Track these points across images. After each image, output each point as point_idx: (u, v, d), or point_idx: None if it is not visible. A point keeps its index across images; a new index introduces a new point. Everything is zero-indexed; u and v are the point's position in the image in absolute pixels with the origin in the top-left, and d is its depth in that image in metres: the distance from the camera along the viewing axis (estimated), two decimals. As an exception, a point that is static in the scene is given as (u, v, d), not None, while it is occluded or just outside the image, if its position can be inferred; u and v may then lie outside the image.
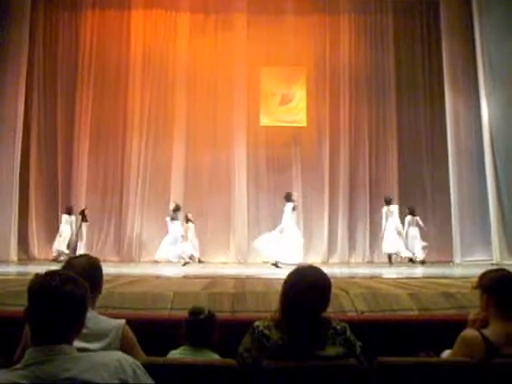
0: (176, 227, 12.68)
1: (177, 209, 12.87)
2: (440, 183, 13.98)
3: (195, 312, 3.14)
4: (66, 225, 13.42)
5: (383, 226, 13.02)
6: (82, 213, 13.79)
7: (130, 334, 2.63)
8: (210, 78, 14.88)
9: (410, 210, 13.25)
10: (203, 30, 15.01)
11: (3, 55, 13.36)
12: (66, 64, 14.76)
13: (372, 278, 8.23)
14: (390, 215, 12.99)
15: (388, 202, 13.14)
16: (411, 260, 12.89)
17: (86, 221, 13.75)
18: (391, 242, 12.80)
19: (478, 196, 12.92)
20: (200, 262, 13.29)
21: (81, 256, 2.85)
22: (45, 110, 14.60)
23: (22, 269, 10.76)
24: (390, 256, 12.89)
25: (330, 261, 14.18)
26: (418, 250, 12.81)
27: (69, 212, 13.55)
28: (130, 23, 14.90)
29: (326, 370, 2.43)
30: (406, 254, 12.85)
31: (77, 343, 1.83)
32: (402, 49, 15.05)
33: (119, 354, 1.81)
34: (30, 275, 6.65)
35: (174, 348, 3.02)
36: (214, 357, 2.94)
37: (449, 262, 12.99)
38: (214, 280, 6.80)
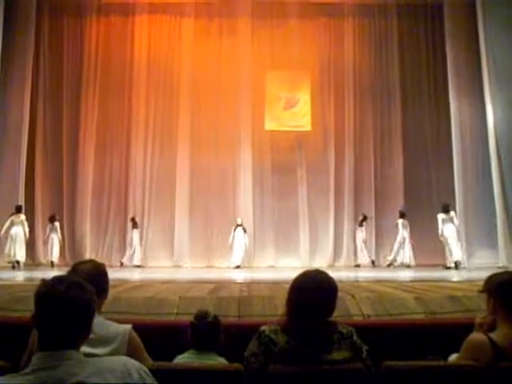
0: None
1: None
2: (445, 187, 13.96)
3: (201, 316, 3.13)
4: (17, 227, 12.61)
5: (441, 233, 12.47)
6: (133, 220, 13.97)
7: (137, 339, 2.63)
8: (214, 83, 14.90)
9: (401, 213, 13.58)
10: (207, 35, 15.06)
11: (9, 60, 13.44)
12: (71, 69, 14.87)
13: (377, 281, 8.21)
14: (448, 222, 12.41)
15: (446, 209, 12.52)
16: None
17: (137, 227, 13.95)
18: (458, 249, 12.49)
19: (484, 199, 12.90)
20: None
21: (87, 261, 2.84)
22: (50, 115, 14.70)
23: (27, 274, 10.76)
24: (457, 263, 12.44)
25: (336, 264, 14.19)
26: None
27: (18, 211, 12.78)
28: (134, 29, 14.99)
29: (333, 375, 2.42)
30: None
31: (84, 348, 1.83)
32: (406, 53, 15.08)
33: (126, 359, 1.81)
34: (35, 281, 6.67)
35: (180, 353, 3.01)
36: (221, 360, 2.93)
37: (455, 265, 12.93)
38: (219, 284, 6.79)
